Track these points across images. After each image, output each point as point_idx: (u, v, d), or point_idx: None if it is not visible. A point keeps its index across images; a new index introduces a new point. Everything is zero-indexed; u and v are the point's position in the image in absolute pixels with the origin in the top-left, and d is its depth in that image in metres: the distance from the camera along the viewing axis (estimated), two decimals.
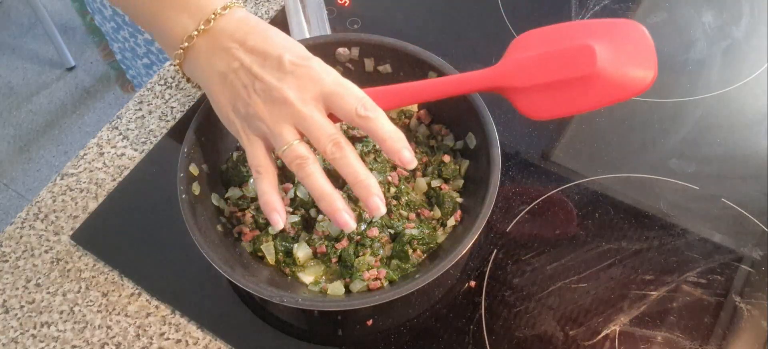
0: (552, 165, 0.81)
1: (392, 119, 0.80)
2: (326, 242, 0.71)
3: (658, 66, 0.69)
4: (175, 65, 0.67)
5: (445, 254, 0.67)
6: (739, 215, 0.76)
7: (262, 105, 0.61)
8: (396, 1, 1.01)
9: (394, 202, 0.74)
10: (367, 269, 0.69)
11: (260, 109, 0.61)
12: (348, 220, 0.61)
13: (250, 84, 0.62)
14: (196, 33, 0.64)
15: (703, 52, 0.92)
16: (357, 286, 0.68)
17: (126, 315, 0.72)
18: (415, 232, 0.71)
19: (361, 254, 0.70)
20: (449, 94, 0.70)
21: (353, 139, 0.78)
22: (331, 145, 0.61)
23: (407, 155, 0.61)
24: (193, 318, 0.71)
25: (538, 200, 0.78)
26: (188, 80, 0.69)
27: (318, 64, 0.63)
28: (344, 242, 0.71)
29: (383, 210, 0.61)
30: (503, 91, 0.70)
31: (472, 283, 0.72)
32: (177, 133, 0.84)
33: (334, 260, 0.71)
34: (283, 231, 0.72)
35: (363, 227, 0.72)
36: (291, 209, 0.74)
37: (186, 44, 0.65)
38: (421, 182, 0.76)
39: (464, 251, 0.65)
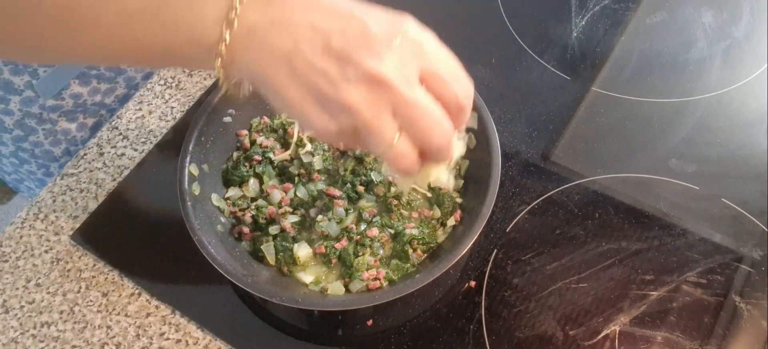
0: (552, 165, 0.81)
1: None
2: (326, 242, 0.71)
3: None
4: (218, 74, 0.49)
5: (445, 254, 0.67)
6: (739, 215, 0.76)
7: (354, 92, 0.46)
8: (396, 2, 1.00)
9: (395, 202, 0.74)
10: (367, 269, 0.69)
11: (351, 97, 0.46)
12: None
13: (332, 68, 0.46)
14: (236, 12, 0.46)
15: (703, 52, 0.92)
16: (357, 286, 0.68)
17: (126, 315, 0.72)
18: (415, 232, 0.71)
19: (360, 253, 0.70)
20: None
21: None
22: (441, 136, 0.48)
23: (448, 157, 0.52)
24: (193, 318, 0.71)
25: (538, 200, 0.78)
26: (235, 89, 0.52)
27: (410, 28, 0.49)
28: (344, 242, 0.71)
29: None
30: None
31: (472, 283, 0.72)
32: (177, 133, 0.84)
33: (333, 260, 0.71)
34: (283, 231, 0.72)
35: (363, 226, 0.72)
36: (291, 209, 0.74)
37: (228, 34, 0.46)
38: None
39: (464, 251, 0.65)
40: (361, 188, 0.75)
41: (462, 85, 0.50)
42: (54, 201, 0.80)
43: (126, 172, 0.82)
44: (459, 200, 0.74)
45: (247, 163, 0.77)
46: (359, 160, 0.77)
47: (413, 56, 0.48)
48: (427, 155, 0.50)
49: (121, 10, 0.46)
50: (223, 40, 0.46)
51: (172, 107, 0.87)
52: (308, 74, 0.46)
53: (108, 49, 0.50)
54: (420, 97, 0.47)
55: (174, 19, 0.47)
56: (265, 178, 0.76)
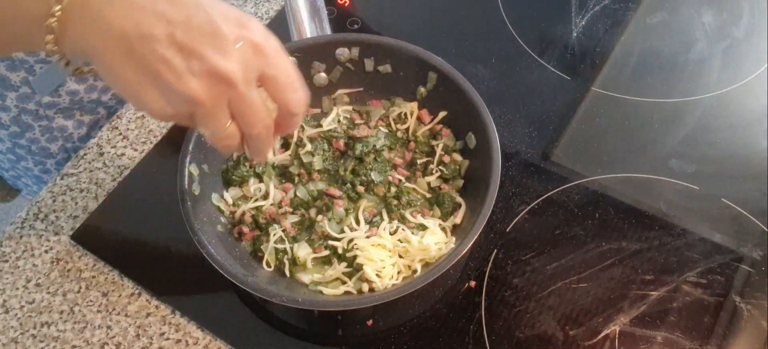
0: (552, 165, 0.81)
1: (389, 125, 0.80)
2: (326, 242, 0.71)
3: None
4: (49, 50, 0.48)
5: (445, 254, 0.67)
6: (739, 215, 0.76)
7: (197, 86, 0.48)
8: (396, 1, 1.01)
9: (395, 201, 0.74)
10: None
11: (195, 91, 0.48)
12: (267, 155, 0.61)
13: (175, 58, 0.47)
14: None
15: (703, 52, 0.92)
16: (357, 286, 0.68)
17: (126, 315, 0.72)
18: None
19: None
20: None
21: (354, 139, 0.78)
22: (263, 129, 0.54)
23: (262, 157, 0.60)
24: (193, 318, 0.71)
25: (538, 200, 0.78)
26: (74, 68, 0.52)
27: (257, 32, 0.51)
28: (344, 243, 0.71)
29: (265, 158, 0.60)
30: None
31: (472, 283, 0.72)
32: (177, 133, 0.84)
33: (333, 260, 0.71)
34: (283, 231, 0.72)
35: (365, 227, 0.72)
36: (291, 209, 0.74)
37: (58, 8, 0.46)
38: (422, 183, 0.76)
39: (464, 251, 0.65)
40: (361, 188, 0.75)
41: (296, 94, 0.54)
42: (54, 201, 0.80)
43: (126, 172, 0.82)
44: (459, 200, 0.74)
45: (247, 163, 0.77)
46: (359, 159, 0.77)
47: (256, 58, 0.50)
48: (247, 140, 0.55)
49: None
50: (53, 14, 0.46)
51: None
52: (149, 60, 0.47)
53: None
54: (255, 97, 0.52)
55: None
56: (265, 178, 0.76)
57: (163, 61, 0.47)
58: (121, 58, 0.47)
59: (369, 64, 0.81)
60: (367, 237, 0.70)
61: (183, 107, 0.50)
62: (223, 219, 0.73)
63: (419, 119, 0.80)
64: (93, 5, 0.46)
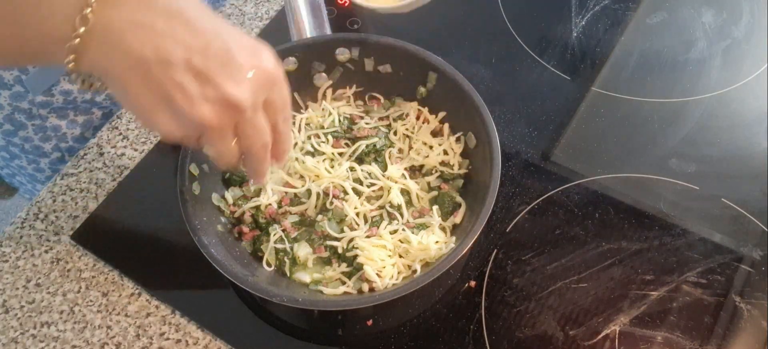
0: (552, 165, 0.81)
1: (389, 125, 0.80)
2: (326, 242, 0.71)
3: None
4: (69, 68, 0.48)
5: (445, 254, 0.67)
6: (739, 215, 0.76)
7: (209, 111, 0.50)
8: None
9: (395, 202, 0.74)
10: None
11: (206, 116, 0.50)
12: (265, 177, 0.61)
13: (191, 84, 0.48)
14: (92, 8, 0.46)
15: (703, 52, 0.92)
16: (357, 286, 0.68)
17: (126, 315, 0.72)
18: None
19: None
20: None
21: (355, 139, 0.78)
22: (261, 148, 0.56)
23: (261, 179, 0.61)
24: (193, 318, 0.71)
25: (538, 200, 0.78)
26: (88, 85, 0.53)
27: (268, 61, 0.53)
28: (344, 242, 0.71)
29: (263, 180, 0.62)
30: None
31: (472, 283, 0.72)
32: None
33: (334, 260, 0.71)
34: (283, 231, 0.72)
35: (365, 227, 0.72)
36: (291, 209, 0.74)
37: (82, 29, 0.46)
38: (422, 183, 0.76)
39: (464, 251, 0.65)
40: (361, 189, 0.75)
41: (288, 119, 0.58)
42: (54, 201, 0.80)
43: (126, 173, 0.82)
44: (459, 200, 0.74)
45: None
46: (359, 159, 0.77)
47: (264, 86, 0.52)
48: (246, 158, 0.57)
49: None
50: (77, 36, 0.47)
51: None
52: (164, 84, 0.48)
53: None
54: (261, 122, 0.54)
55: (22, 16, 0.47)
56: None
57: (179, 87, 0.48)
58: (138, 80, 0.48)
59: (369, 64, 0.81)
60: (367, 237, 0.70)
61: (193, 130, 0.52)
62: (223, 219, 0.73)
63: (425, 121, 0.80)
64: (115, 29, 0.47)
